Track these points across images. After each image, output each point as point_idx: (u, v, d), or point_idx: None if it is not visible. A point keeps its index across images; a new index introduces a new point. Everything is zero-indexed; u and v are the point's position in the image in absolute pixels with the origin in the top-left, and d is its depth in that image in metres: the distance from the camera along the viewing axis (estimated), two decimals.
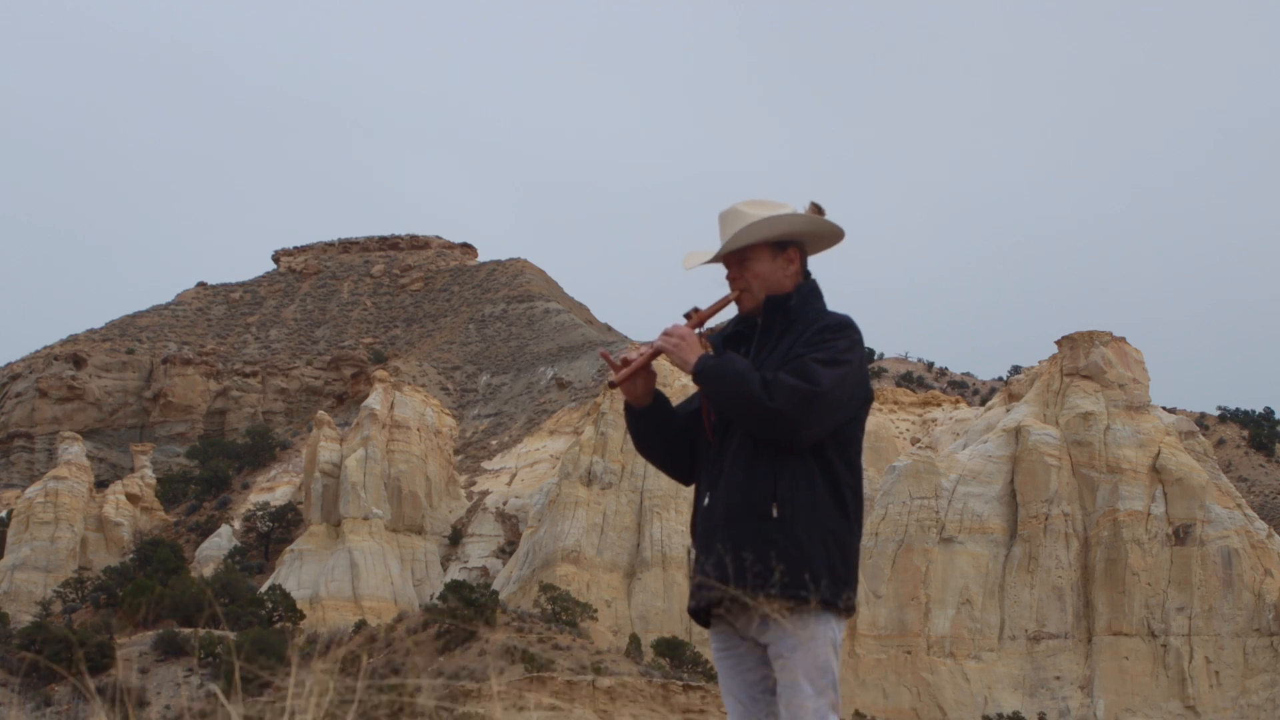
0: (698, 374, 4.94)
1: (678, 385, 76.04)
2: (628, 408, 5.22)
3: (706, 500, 5.01)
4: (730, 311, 5.27)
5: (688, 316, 5.12)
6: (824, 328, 4.97)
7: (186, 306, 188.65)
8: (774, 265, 5.13)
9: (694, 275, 5.52)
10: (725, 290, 5.22)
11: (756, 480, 4.87)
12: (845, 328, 4.97)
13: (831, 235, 5.22)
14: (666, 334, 5.06)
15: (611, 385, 5.25)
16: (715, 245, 5.20)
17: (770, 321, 5.09)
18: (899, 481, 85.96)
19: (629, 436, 5.42)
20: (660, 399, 5.22)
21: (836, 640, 4.86)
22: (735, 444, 4.95)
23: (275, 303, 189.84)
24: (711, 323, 5.24)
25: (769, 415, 4.77)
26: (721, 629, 5.04)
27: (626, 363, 5.17)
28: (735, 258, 5.15)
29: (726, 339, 5.18)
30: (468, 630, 57.04)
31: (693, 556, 5.10)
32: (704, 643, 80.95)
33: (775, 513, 4.83)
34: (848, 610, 4.89)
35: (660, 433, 5.20)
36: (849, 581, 4.87)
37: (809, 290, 5.16)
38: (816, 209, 5.15)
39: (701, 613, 5.05)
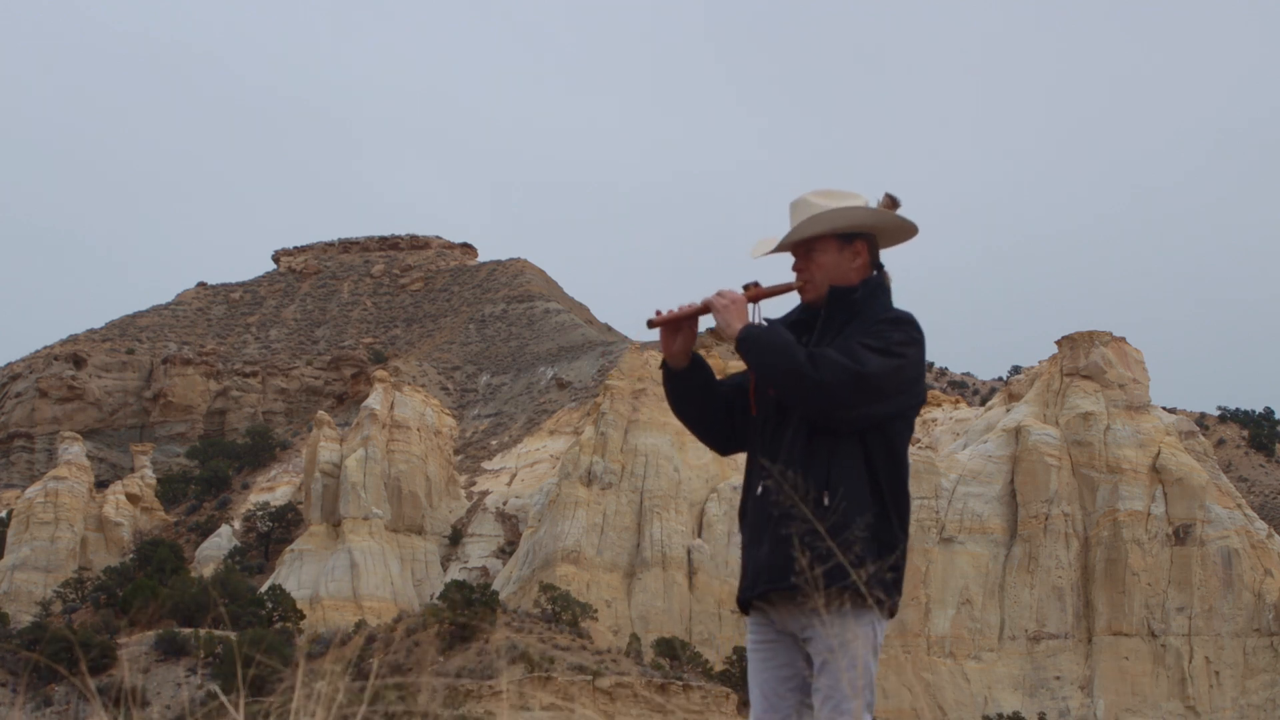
0: (741, 340, 4.88)
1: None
2: (663, 366, 5.15)
3: (760, 489, 4.93)
4: (792, 299, 5.21)
5: (745, 288, 5.05)
6: (882, 320, 4.92)
7: (186, 306, 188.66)
8: (840, 257, 5.07)
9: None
10: (771, 280, 5.16)
11: (811, 469, 4.81)
12: (904, 323, 4.92)
13: (902, 229, 5.16)
14: (719, 294, 5.00)
15: (650, 324, 5.11)
16: (784, 232, 5.16)
17: (833, 312, 5.03)
18: None
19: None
20: (698, 363, 5.14)
21: (878, 641, 4.82)
22: (791, 432, 4.89)
23: (275, 303, 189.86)
24: (767, 309, 5.18)
25: (812, 386, 4.72)
26: (760, 620, 4.99)
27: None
28: (801, 248, 5.10)
29: (789, 326, 5.10)
30: (468, 630, 57.06)
31: (743, 542, 5.02)
32: (704, 643, 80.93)
33: (826, 501, 4.77)
34: (891, 611, 4.83)
35: (695, 397, 5.13)
36: (894, 583, 4.81)
37: (876, 285, 5.08)
38: (891, 201, 5.11)
39: (744, 601, 5.00)
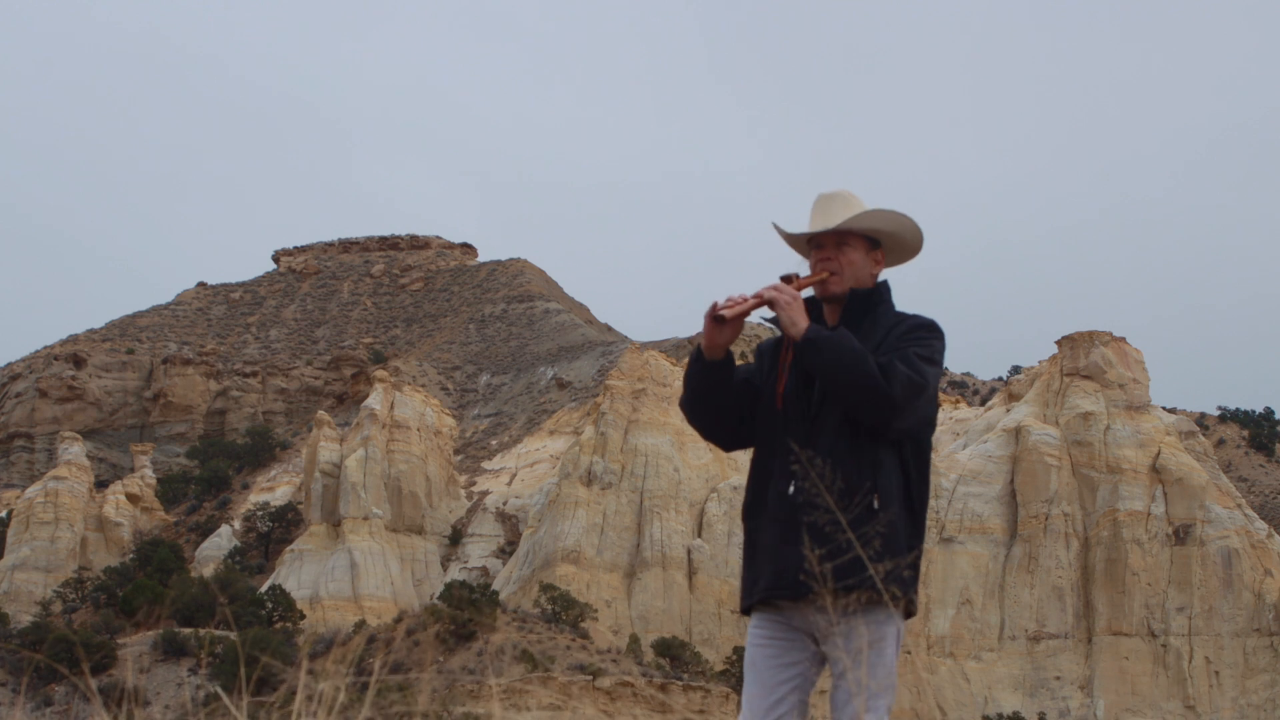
0: (810, 341, 4.80)
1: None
2: (697, 358, 5.00)
3: (791, 487, 4.85)
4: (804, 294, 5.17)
5: (786, 280, 4.98)
6: (918, 326, 4.96)
7: (186, 306, 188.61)
8: (865, 259, 5.11)
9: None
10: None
11: (860, 470, 4.82)
12: (937, 330, 4.99)
13: (911, 249, 5.25)
14: (778, 289, 4.90)
15: (717, 320, 4.89)
16: (800, 224, 5.17)
17: (852, 314, 5.04)
18: None
19: (686, 392, 5.11)
20: (729, 357, 5.04)
21: (900, 640, 4.87)
22: (832, 430, 4.86)
23: (275, 303, 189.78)
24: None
25: (882, 398, 4.71)
26: (771, 617, 4.93)
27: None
28: (833, 238, 5.10)
29: None
30: (468, 630, 57.05)
31: (764, 540, 4.92)
32: (704, 643, 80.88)
33: (876, 504, 4.80)
34: (912, 613, 4.91)
35: (721, 391, 5.02)
36: (913, 581, 4.89)
37: (888, 289, 5.17)
38: None
39: (765, 599, 4.91)
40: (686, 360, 5.18)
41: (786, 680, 4.90)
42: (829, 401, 4.88)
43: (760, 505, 4.98)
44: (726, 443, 5.16)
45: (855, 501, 4.75)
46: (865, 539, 4.70)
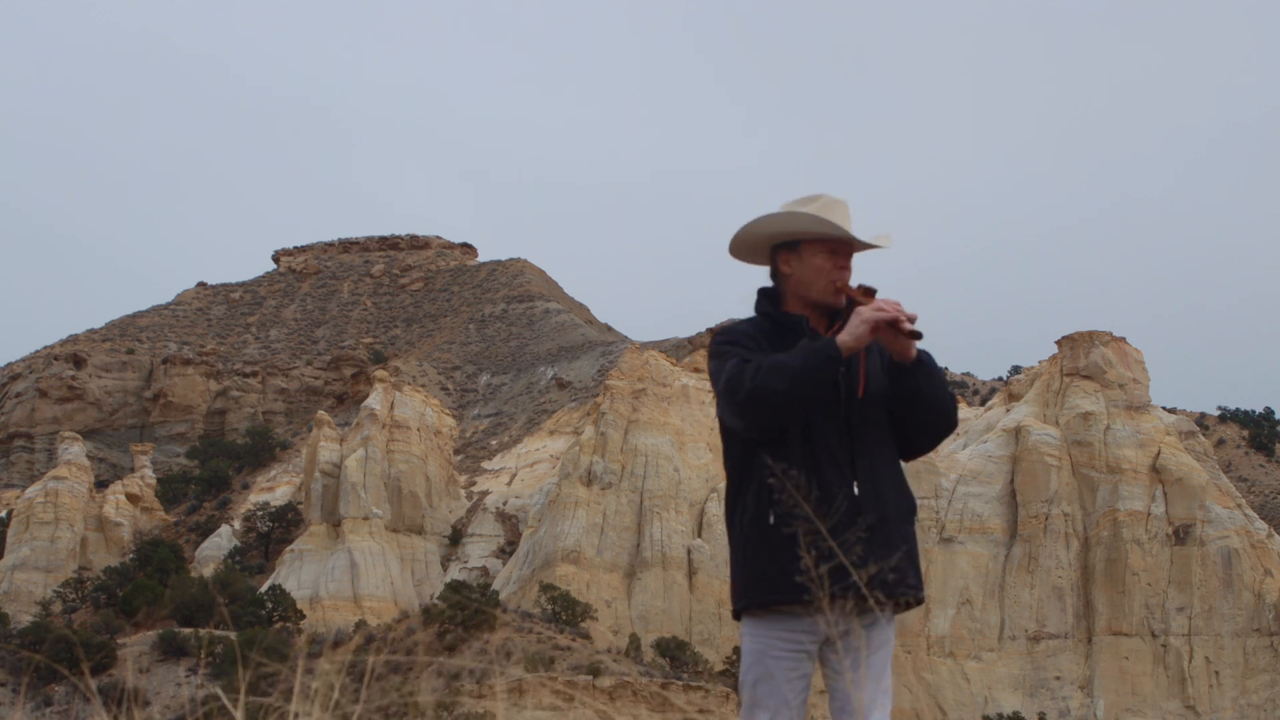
0: (922, 364, 4.78)
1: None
2: (833, 356, 4.67)
3: (857, 489, 4.74)
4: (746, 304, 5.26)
5: (869, 293, 4.80)
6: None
7: (186, 306, 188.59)
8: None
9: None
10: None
11: (904, 482, 4.94)
12: None
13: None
14: (898, 306, 4.76)
15: (912, 336, 4.71)
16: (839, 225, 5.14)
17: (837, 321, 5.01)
18: None
19: (788, 388, 4.67)
20: None
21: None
22: (882, 441, 4.86)
23: (275, 303, 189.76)
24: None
25: (953, 423, 4.89)
26: (783, 624, 4.82)
27: (868, 293, 4.79)
28: (847, 250, 4.98)
29: (765, 334, 5.06)
30: (468, 630, 57.04)
31: (804, 539, 4.66)
32: (704, 642, 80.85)
33: (916, 513, 5.02)
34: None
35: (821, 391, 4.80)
36: None
37: None
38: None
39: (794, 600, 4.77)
40: (810, 354, 4.65)
41: (801, 691, 4.89)
42: (871, 408, 4.85)
43: (816, 505, 4.81)
44: (771, 434, 4.89)
45: (910, 514, 4.92)
46: (914, 547, 4.90)
